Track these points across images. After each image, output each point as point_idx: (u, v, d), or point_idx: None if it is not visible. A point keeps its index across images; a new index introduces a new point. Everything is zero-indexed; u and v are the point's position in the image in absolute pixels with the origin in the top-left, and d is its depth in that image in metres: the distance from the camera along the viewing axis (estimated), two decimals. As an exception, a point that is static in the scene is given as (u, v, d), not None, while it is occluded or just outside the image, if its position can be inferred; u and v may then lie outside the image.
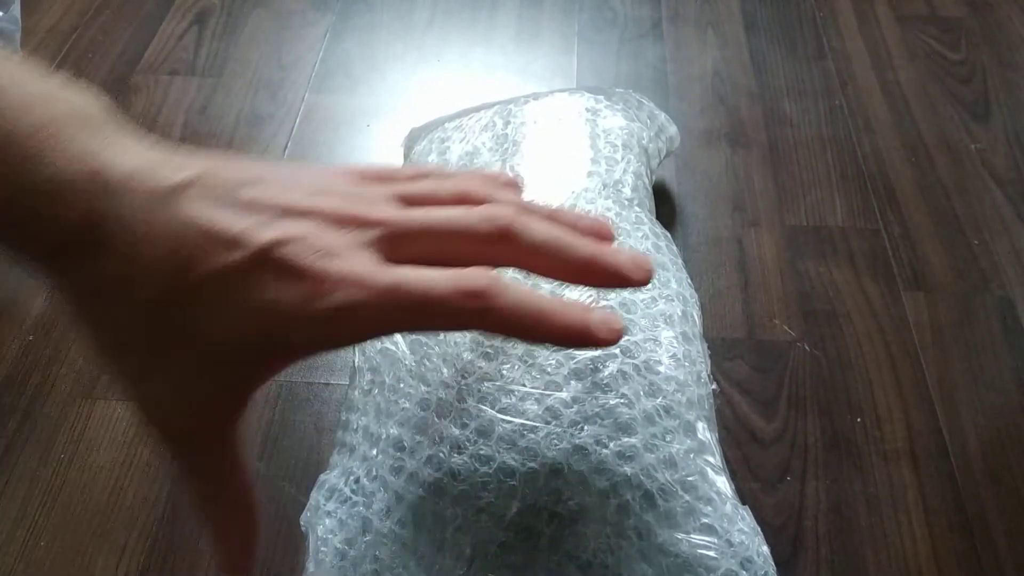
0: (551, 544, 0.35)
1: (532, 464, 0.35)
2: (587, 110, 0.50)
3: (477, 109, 0.52)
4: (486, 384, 0.37)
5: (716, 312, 0.51)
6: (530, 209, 0.31)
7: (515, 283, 0.29)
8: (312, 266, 0.27)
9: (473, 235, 0.30)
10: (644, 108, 0.53)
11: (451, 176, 0.33)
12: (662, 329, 0.39)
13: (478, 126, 0.49)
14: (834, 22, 0.72)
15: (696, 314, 0.42)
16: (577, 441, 0.35)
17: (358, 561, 0.36)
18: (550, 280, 0.34)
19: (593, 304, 0.38)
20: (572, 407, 0.36)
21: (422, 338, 0.39)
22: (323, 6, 0.72)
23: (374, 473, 0.37)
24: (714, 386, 0.40)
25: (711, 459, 0.37)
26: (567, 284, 0.37)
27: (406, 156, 0.54)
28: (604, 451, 0.35)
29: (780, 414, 0.46)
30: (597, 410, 0.36)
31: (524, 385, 0.36)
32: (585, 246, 0.31)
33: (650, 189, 0.49)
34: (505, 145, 0.47)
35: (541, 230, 0.30)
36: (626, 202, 0.45)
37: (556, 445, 0.35)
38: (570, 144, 0.48)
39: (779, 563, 0.40)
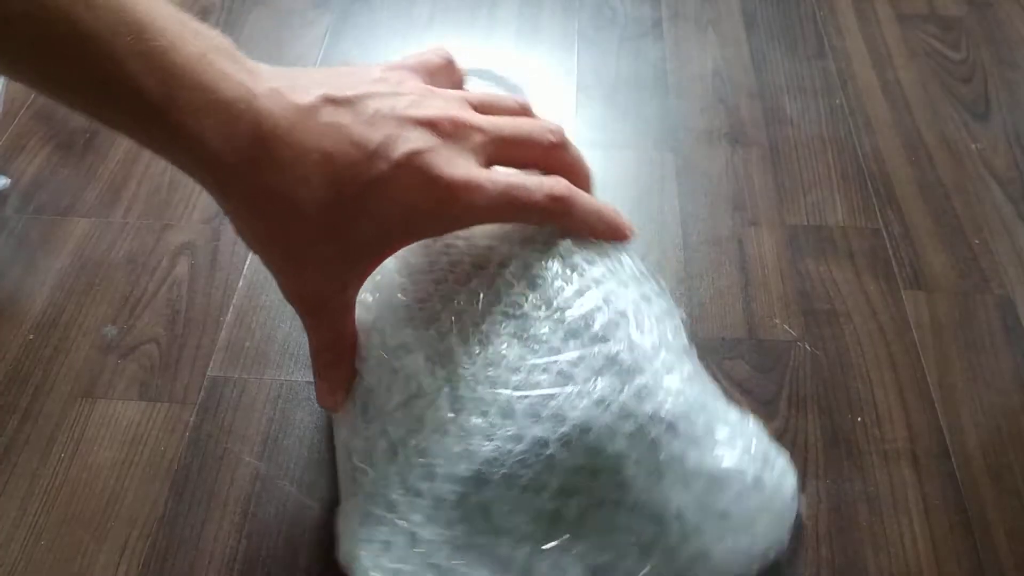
0: (599, 498, 0.36)
1: (562, 429, 0.35)
2: None
3: None
4: (490, 370, 0.37)
5: (716, 312, 0.51)
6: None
7: (582, 193, 0.38)
8: (441, 174, 0.34)
9: (538, 143, 0.38)
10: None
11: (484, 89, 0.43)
12: (623, 281, 0.41)
13: None
14: (834, 21, 0.72)
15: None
16: (595, 396, 0.36)
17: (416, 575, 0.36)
18: None
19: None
20: (579, 366, 0.36)
21: (408, 343, 0.39)
22: (323, 5, 0.72)
23: (404, 486, 0.37)
24: (681, 313, 0.41)
25: (706, 378, 0.40)
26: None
27: None
28: (621, 397, 0.36)
29: (780, 414, 0.46)
30: (603, 362, 0.36)
31: (527, 359, 0.37)
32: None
33: None
34: None
35: (576, 150, 0.40)
36: None
37: (577, 405, 0.36)
38: None
39: (779, 563, 0.40)
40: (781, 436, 0.45)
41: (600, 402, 0.36)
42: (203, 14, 0.71)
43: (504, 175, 0.37)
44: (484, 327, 0.38)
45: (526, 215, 0.37)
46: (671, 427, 0.36)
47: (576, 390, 0.36)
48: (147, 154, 0.59)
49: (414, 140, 0.34)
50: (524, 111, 0.40)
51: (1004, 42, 0.70)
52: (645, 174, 0.59)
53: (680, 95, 0.65)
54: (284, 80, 0.34)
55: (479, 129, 0.36)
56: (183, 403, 0.46)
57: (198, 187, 0.35)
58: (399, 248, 0.37)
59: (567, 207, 0.37)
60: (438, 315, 0.38)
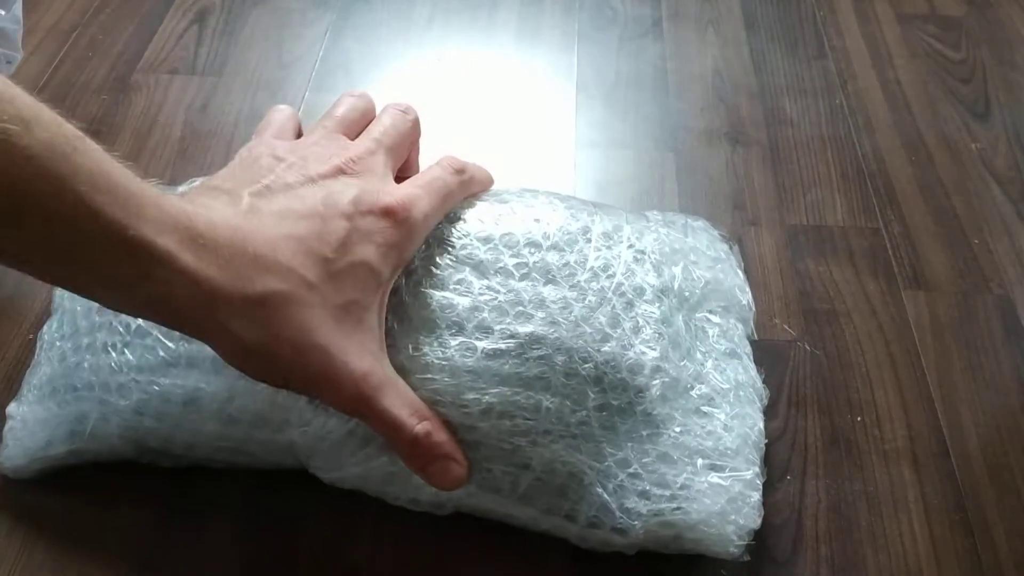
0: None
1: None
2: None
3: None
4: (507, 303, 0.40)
5: (716, 311, 0.51)
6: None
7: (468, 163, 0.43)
8: (381, 203, 0.37)
9: (410, 129, 0.43)
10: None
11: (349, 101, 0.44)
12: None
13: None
14: (834, 21, 0.72)
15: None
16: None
17: None
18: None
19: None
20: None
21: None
22: (323, 5, 0.72)
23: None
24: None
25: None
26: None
27: None
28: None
29: (780, 413, 0.46)
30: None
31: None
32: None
33: None
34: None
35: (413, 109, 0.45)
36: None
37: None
38: None
39: (779, 562, 0.40)
40: (781, 436, 0.45)
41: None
42: (203, 14, 0.71)
43: (415, 178, 0.41)
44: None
45: (452, 199, 0.41)
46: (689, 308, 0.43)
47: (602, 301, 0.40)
48: (145, 156, 0.59)
49: (342, 190, 0.37)
50: (367, 101, 0.44)
51: (1004, 42, 0.70)
52: (645, 174, 0.59)
53: (680, 95, 0.65)
54: (213, 201, 0.35)
55: (371, 152, 0.40)
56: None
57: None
58: (388, 287, 0.38)
59: (469, 173, 0.42)
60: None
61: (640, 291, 0.41)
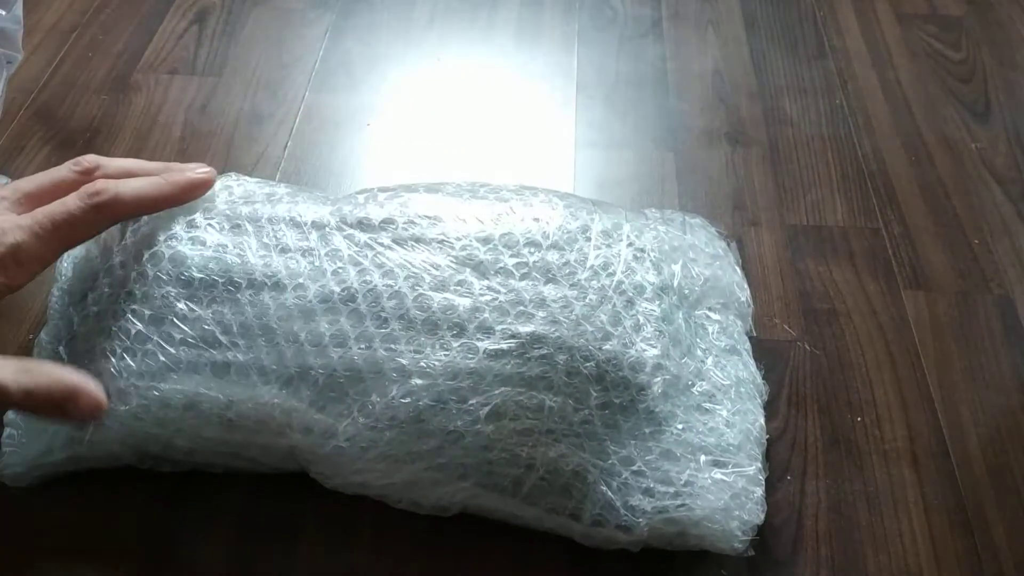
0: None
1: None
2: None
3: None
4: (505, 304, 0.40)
5: (716, 311, 0.51)
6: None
7: (128, 180, 0.41)
8: None
9: (64, 180, 0.41)
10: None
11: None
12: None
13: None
14: (834, 21, 0.72)
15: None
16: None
17: None
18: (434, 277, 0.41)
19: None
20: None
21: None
22: (323, 5, 0.72)
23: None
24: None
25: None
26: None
27: None
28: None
29: (780, 413, 0.46)
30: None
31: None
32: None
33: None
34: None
35: (118, 162, 0.43)
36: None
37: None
38: None
39: (779, 562, 0.40)
40: (781, 436, 0.45)
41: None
42: (203, 14, 0.71)
43: (38, 211, 0.39)
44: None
45: (83, 228, 0.40)
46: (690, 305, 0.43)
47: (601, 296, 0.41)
48: (145, 156, 0.59)
49: None
50: (67, 174, 0.42)
51: (1004, 42, 0.71)
52: (645, 174, 0.59)
53: (680, 95, 0.65)
54: None
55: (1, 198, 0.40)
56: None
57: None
58: None
59: (113, 195, 0.40)
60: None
61: (640, 289, 0.41)
